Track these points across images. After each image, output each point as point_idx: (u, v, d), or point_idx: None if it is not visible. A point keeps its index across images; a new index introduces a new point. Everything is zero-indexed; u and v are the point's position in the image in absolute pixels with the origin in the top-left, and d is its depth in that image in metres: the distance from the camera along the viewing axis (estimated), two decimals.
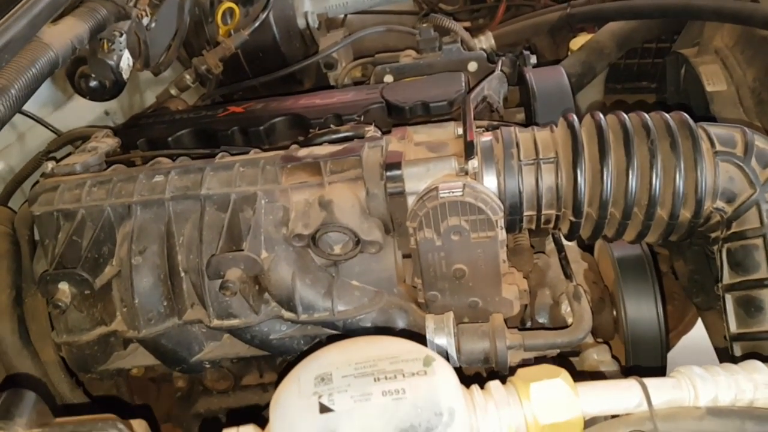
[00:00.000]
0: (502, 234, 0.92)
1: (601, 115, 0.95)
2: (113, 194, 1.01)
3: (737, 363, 0.74)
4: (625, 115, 0.94)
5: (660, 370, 1.11)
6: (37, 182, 1.08)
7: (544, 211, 0.95)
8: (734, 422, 0.68)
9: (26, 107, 1.14)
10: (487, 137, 0.98)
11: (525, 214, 0.96)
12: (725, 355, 0.94)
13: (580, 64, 1.59)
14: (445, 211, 0.90)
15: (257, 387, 1.18)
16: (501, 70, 1.29)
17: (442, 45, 1.40)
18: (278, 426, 0.65)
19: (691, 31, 1.51)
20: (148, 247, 1.00)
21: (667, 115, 0.94)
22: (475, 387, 0.70)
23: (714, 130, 0.93)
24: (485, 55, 1.39)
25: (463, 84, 1.24)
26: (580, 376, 0.73)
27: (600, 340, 1.12)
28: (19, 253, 1.14)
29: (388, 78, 1.38)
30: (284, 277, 0.96)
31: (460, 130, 1.02)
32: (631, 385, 0.71)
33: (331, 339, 1.00)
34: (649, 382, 0.71)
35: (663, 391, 0.70)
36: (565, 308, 1.05)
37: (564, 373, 0.70)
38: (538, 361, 0.95)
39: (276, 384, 0.71)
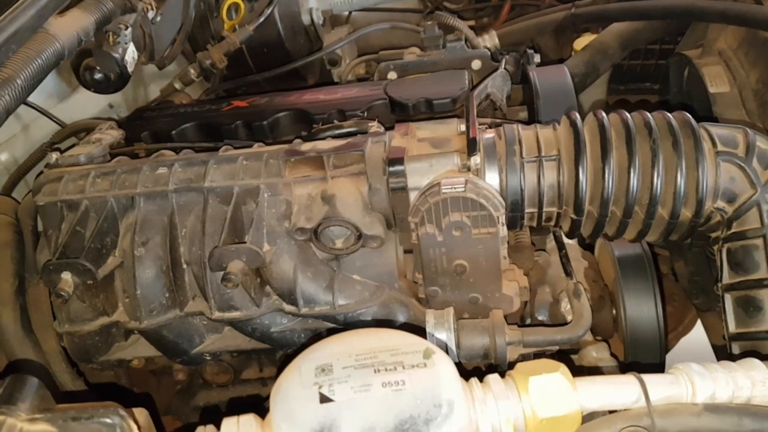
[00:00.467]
0: (503, 230, 0.92)
1: (604, 114, 0.96)
2: (117, 185, 1.02)
3: (735, 361, 0.75)
4: (627, 114, 0.95)
5: (658, 369, 1.12)
6: (42, 173, 1.09)
7: (545, 209, 0.95)
8: (731, 419, 0.68)
9: (31, 98, 1.15)
10: (489, 134, 0.99)
11: (526, 211, 0.96)
12: (723, 353, 0.94)
13: (584, 64, 1.59)
14: (447, 206, 0.90)
15: (257, 381, 1.19)
16: (505, 69, 1.30)
17: (446, 43, 1.40)
18: (279, 415, 0.65)
19: (694, 33, 1.51)
20: (150, 239, 1.00)
21: (669, 114, 0.94)
22: (474, 380, 0.71)
23: (716, 130, 0.93)
24: (489, 53, 1.39)
25: (467, 82, 1.24)
26: (578, 372, 0.73)
27: (599, 338, 1.13)
28: (22, 243, 1.14)
29: (392, 75, 1.38)
30: (286, 270, 0.96)
31: (463, 127, 1.03)
32: (629, 380, 0.71)
33: (332, 332, 1.00)
34: (647, 378, 0.71)
35: (661, 387, 0.71)
36: (564, 306, 1.06)
37: (563, 368, 0.70)
38: (538, 357, 0.96)
39: (276, 376, 0.72)
